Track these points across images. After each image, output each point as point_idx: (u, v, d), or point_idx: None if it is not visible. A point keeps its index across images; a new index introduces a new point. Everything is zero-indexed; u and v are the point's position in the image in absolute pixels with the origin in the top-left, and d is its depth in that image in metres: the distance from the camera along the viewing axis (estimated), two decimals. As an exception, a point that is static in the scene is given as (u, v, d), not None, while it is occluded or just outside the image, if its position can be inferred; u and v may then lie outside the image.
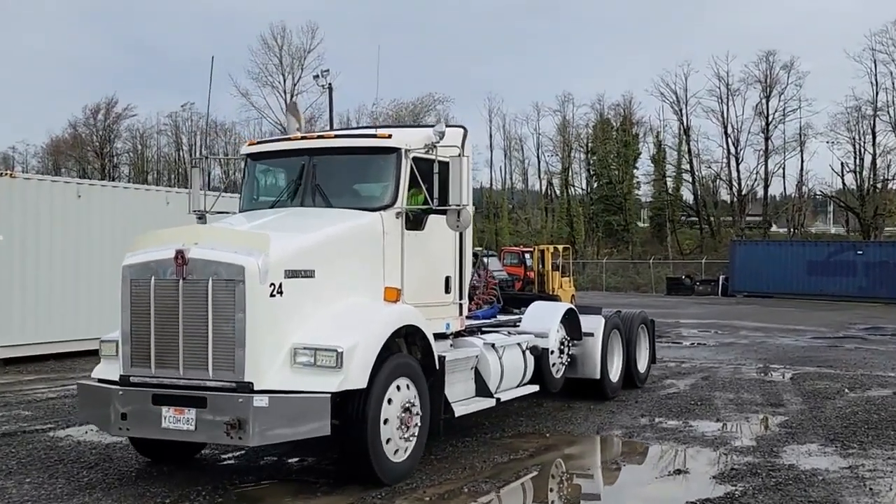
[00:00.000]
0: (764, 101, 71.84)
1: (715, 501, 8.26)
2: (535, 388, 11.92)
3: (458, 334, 10.76)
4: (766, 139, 71.86)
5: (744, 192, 73.49)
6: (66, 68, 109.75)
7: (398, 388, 8.66)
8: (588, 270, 63.20)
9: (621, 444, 11.10)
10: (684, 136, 75.62)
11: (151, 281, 8.26)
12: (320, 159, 9.99)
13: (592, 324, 13.65)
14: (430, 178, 9.68)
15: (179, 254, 8.03)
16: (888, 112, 66.42)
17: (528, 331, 12.29)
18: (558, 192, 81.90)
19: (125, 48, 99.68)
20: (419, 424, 8.95)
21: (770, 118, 71.71)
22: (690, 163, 75.70)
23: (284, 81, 76.36)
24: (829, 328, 29.40)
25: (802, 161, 73.96)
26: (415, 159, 9.72)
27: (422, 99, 76.08)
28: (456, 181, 9.45)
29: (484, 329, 11.89)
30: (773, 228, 73.21)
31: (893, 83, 66.16)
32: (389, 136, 9.85)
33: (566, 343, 12.91)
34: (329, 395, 7.81)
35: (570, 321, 13.15)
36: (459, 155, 9.68)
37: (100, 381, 8.75)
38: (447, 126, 10.04)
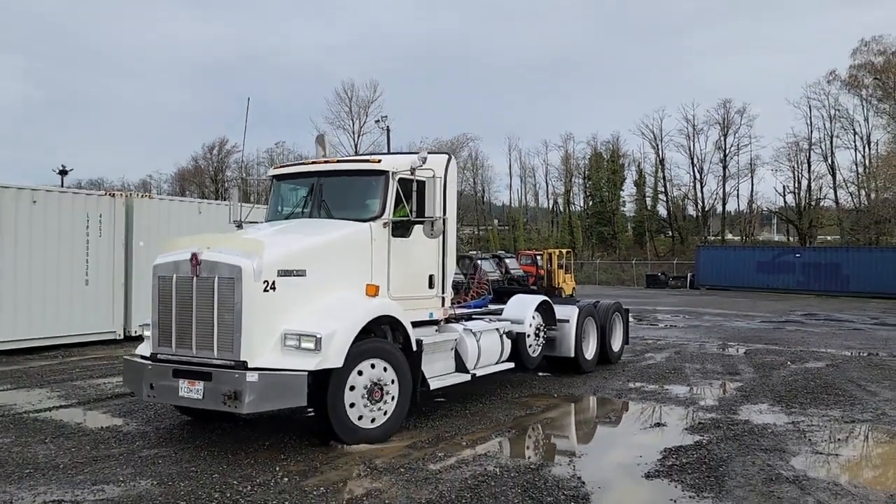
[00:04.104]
0: (722, 138, 71.25)
1: (687, 448, 8.21)
2: (511, 365, 11.25)
3: (447, 320, 10.23)
4: (724, 167, 71.29)
5: (706, 209, 73.16)
6: (189, 115, 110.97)
7: (373, 366, 8.23)
8: (585, 269, 62.83)
9: (613, 403, 11.00)
10: (659, 166, 75.23)
11: (174, 278, 8.04)
12: (326, 180, 9.61)
13: (567, 312, 12.99)
14: (412, 195, 9.26)
15: (194, 256, 7.87)
16: (820, 146, 65.72)
17: (508, 318, 11.62)
18: (562, 208, 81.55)
19: (234, 100, 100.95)
20: (395, 398, 8.46)
21: (727, 151, 71.15)
22: (664, 186, 75.36)
23: (353, 125, 76.62)
24: (774, 314, 29.02)
25: (752, 184, 74.09)
26: (400, 180, 9.28)
27: (457, 137, 76.37)
28: (431, 197, 9.05)
29: (474, 316, 11.36)
30: (729, 236, 72.65)
31: (824, 124, 65.50)
32: (379, 161, 9.41)
33: (541, 328, 12.24)
34: (306, 373, 7.52)
35: (546, 310, 12.46)
36: (433, 176, 9.12)
37: (142, 357, 8.45)
38: (429, 153, 9.63)
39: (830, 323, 25.54)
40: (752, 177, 71.79)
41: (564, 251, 43.48)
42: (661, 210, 76.43)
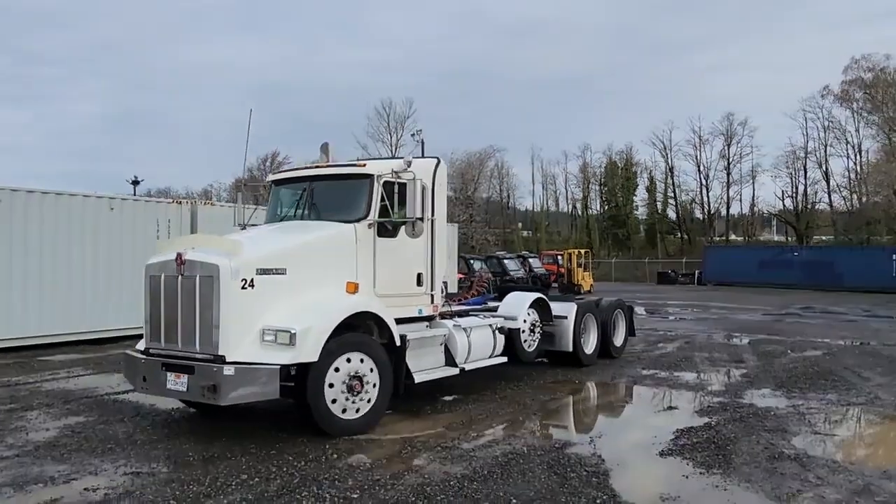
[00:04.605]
0: (726, 147, 70.53)
1: (697, 428, 8.12)
2: (504, 359, 10.51)
3: (442, 316, 9.69)
4: (728, 174, 70.61)
5: (712, 212, 72.47)
6: (242, 131, 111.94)
7: (348, 360, 7.65)
8: (602, 267, 62.26)
9: (629, 388, 10.91)
10: (669, 173, 74.51)
11: (162, 277, 7.70)
12: (317, 184, 9.04)
13: (566, 309, 12.15)
14: (394, 196, 8.61)
15: (179, 256, 7.52)
16: (815, 155, 64.97)
17: (502, 315, 10.89)
18: (580, 212, 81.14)
19: (283, 116, 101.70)
20: (375, 390, 7.91)
21: (730, 160, 70.44)
22: (674, 191, 74.61)
23: (391, 138, 76.74)
24: (774, 307, 28.56)
25: (754, 189, 74.79)
26: (385, 183, 8.63)
27: (485, 149, 76.15)
28: (412, 199, 8.43)
29: (472, 313, 10.73)
30: (733, 237, 71.93)
31: (819, 134, 64.65)
32: (364, 165, 8.87)
33: (537, 324, 11.40)
34: (278, 367, 7.08)
35: (542, 307, 11.64)
36: (414, 178, 8.54)
37: (140, 351, 8.08)
38: (414, 158, 9.02)
39: (826, 315, 25.08)
40: (753, 183, 71.35)
41: (583, 251, 43.35)
42: (671, 213, 75.76)
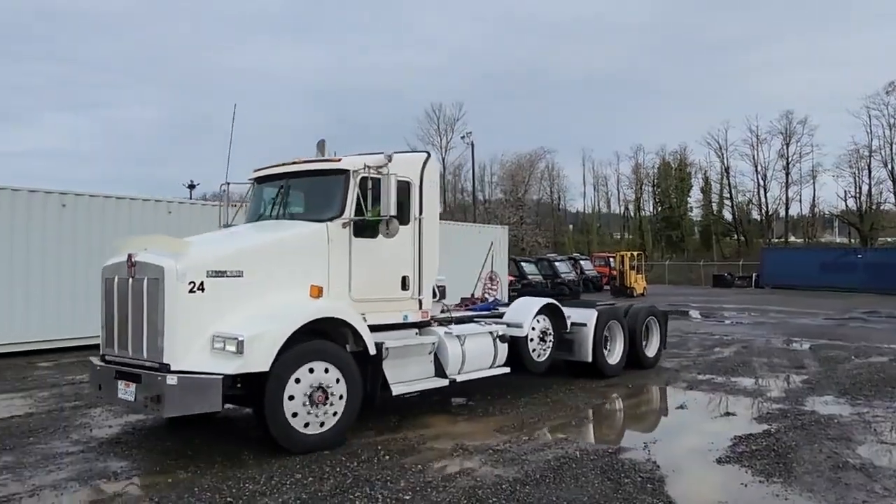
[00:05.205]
0: (785, 147, 69.20)
1: (756, 436, 7.93)
2: (506, 370, 9.71)
3: (439, 323, 9.12)
4: (787, 174, 69.20)
5: (770, 213, 70.93)
6: (294, 134, 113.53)
7: (311, 370, 7.07)
8: (655, 270, 61.41)
9: (684, 394, 10.69)
10: (725, 173, 73.32)
11: (115, 280, 7.31)
12: (293, 181, 8.50)
13: (585, 316, 11.23)
14: (368, 193, 7.99)
15: (130, 258, 7.13)
16: (880, 153, 63.06)
17: (506, 322, 10.05)
18: (633, 214, 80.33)
19: (337, 120, 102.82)
20: (342, 402, 7.30)
21: (789, 160, 69.05)
22: (730, 192, 73.35)
23: (441, 140, 77.10)
24: (837, 312, 27.73)
25: (814, 190, 72.86)
26: (362, 179, 8.00)
27: (536, 150, 76.00)
28: (385, 196, 7.72)
29: (475, 319, 9.98)
30: (792, 238, 70.30)
31: (883, 132, 62.77)
32: (339, 160, 8.19)
33: (548, 332, 10.49)
34: (221, 377, 6.53)
35: (555, 314, 10.74)
36: (388, 174, 7.77)
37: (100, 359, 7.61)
38: (395, 152, 8.34)
39: (893, 320, 24.22)
40: (813, 183, 69.91)
41: (636, 253, 42.81)
42: (727, 214, 74.52)
